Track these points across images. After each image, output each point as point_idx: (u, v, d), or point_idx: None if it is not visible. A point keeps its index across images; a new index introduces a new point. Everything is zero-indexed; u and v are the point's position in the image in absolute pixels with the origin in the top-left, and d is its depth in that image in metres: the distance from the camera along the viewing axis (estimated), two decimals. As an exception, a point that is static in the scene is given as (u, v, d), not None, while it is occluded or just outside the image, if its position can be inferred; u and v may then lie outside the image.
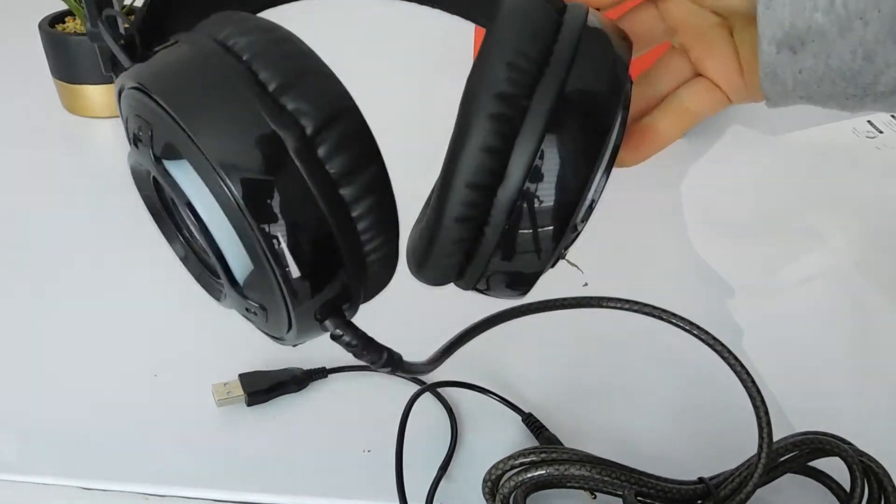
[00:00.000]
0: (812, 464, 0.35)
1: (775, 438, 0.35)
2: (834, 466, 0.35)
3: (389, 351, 0.27)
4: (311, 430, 0.39)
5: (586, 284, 0.50)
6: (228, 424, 0.39)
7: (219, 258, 0.25)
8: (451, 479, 0.36)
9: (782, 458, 0.35)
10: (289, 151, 0.22)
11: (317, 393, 0.41)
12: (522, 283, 0.27)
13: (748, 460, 0.33)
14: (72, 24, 0.70)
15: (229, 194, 0.22)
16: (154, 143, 0.23)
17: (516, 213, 0.24)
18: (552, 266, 0.29)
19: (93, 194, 0.59)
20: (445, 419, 0.39)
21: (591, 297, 0.36)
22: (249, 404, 0.40)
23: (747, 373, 0.34)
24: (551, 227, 0.24)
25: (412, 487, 0.36)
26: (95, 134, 0.69)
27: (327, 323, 0.26)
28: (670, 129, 0.32)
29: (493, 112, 0.23)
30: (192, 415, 0.39)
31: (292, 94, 0.23)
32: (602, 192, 0.29)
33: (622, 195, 0.59)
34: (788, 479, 0.36)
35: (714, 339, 0.35)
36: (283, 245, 0.23)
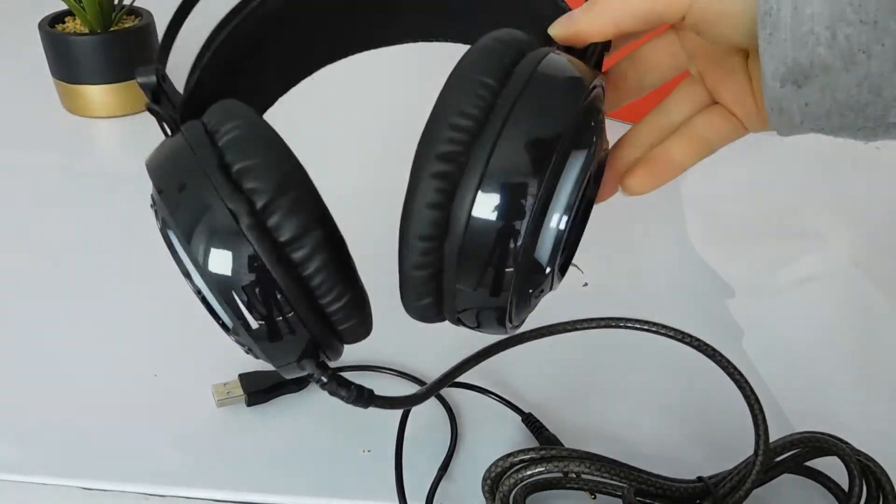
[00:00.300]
0: (811, 464, 0.35)
1: (775, 438, 0.35)
2: (833, 467, 0.35)
3: (359, 388, 0.31)
4: (311, 430, 0.39)
5: (586, 284, 0.50)
6: (228, 424, 0.39)
7: (209, 309, 0.30)
8: (451, 479, 0.36)
9: (780, 458, 0.35)
10: (240, 225, 0.26)
11: (316, 393, 0.41)
12: (499, 320, 0.29)
13: (746, 460, 0.34)
14: (72, 24, 0.70)
15: (199, 261, 0.27)
16: (157, 214, 0.29)
17: (464, 258, 0.26)
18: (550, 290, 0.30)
19: (93, 194, 0.59)
20: (445, 419, 0.39)
21: (577, 321, 0.37)
22: (249, 404, 0.40)
23: (740, 374, 0.34)
24: (502, 269, 0.26)
25: (412, 488, 0.36)
26: (95, 134, 0.69)
27: (304, 363, 0.30)
28: (683, 156, 0.32)
29: (435, 171, 0.25)
30: (193, 415, 0.39)
31: (249, 175, 0.26)
32: (576, 229, 0.31)
33: (622, 195, 0.59)
34: (788, 479, 0.36)
35: (705, 344, 0.36)
36: (240, 303, 0.27)
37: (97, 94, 0.69)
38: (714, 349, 0.36)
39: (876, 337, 0.44)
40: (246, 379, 0.40)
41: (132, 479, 0.36)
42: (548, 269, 0.27)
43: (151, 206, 0.30)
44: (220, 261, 0.27)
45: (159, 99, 0.31)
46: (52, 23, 0.69)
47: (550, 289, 0.30)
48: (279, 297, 0.27)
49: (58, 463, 0.37)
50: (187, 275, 0.29)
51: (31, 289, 0.49)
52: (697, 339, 0.36)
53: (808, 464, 0.35)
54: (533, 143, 0.25)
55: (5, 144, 0.66)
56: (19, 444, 0.38)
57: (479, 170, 0.25)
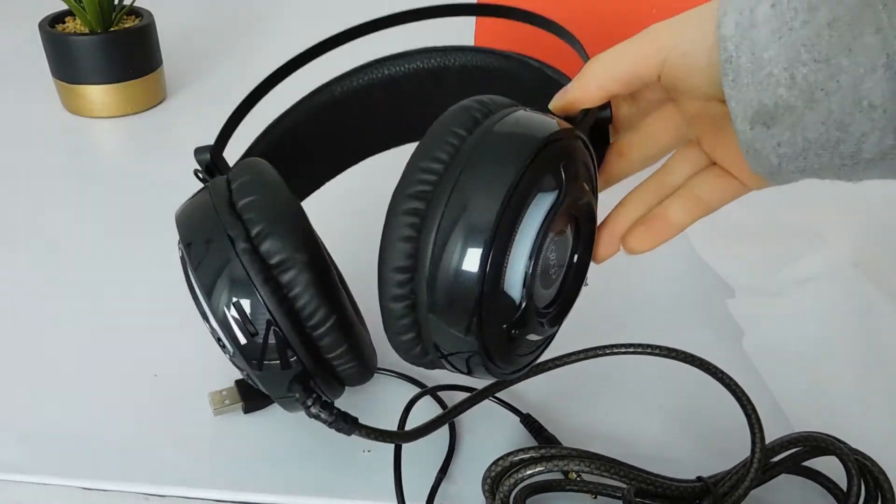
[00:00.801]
0: (809, 464, 0.35)
1: (775, 438, 0.35)
2: (832, 467, 0.35)
3: (345, 414, 0.32)
4: (310, 431, 0.39)
5: (587, 284, 0.50)
6: (229, 424, 0.39)
7: (212, 332, 0.33)
8: (451, 480, 0.36)
9: (778, 458, 0.35)
10: (236, 249, 0.30)
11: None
12: (476, 366, 0.30)
13: (744, 460, 0.34)
14: (72, 24, 0.70)
15: (200, 283, 0.31)
16: (182, 247, 0.32)
17: (431, 286, 0.28)
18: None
19: (93, 194, 0.59)
20: (445, 419, 0.39)
21: (563, 356, 0.39)
22: (246, 411, 0.40)
23: (730, 379, 0.35)
24: (467, 296, 0.28)
25: (412, 488, 0.36)
26: (95, 134, 0.69)
27: (294, 386, 0.32)
28: (680, 216, 0.33)
29: (405, 208, 0.28)
30: (193, 415, 0.39)
31: (250, 210, 0.31)
32: (569, 284, 0.33)
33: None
34: (787, 479, 0.36)
35: (692, 356, 0.37)
36: (231, 319, 0.30)
37: (97, 94, 0.69)
38: (702, 360, 0.37)
39: (876, 337, 0.44)
40: (243, 385, 0.40)
41: (132, 479, 0.36)
42: (520, 302, 0.29)
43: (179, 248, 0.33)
44: (213, 278, 0.31)
45: (212, 173, 0.36)
46: (52, 23, 0.69)
47: (541, 336, 0.32)
48: (264, 315, 0.30)
49: (58, 463, 0.37)
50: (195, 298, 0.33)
51: (30, 289, 0.49)
52: (684, 353, 0.37)
53: (806, 464, 0.35)
54: (489, 182, 0.27)
55: (5, 144, 0.66)
56: (19, 444, 0.38)
57: (440, 206, 0.28)
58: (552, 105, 0.33)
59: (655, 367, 0.41)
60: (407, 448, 0.38)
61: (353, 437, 0.38)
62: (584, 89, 0.32)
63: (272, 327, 0.30)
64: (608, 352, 0.38)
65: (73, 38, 0.67)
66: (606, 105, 0.33)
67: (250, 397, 0.40)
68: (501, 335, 0.30)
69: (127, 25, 0.69)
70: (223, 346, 0.33)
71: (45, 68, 0.70)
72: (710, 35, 0.28)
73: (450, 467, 0.37)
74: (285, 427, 0.39)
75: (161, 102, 0.73)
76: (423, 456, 0.37)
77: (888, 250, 0.50)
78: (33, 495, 0.36)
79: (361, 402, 0.41)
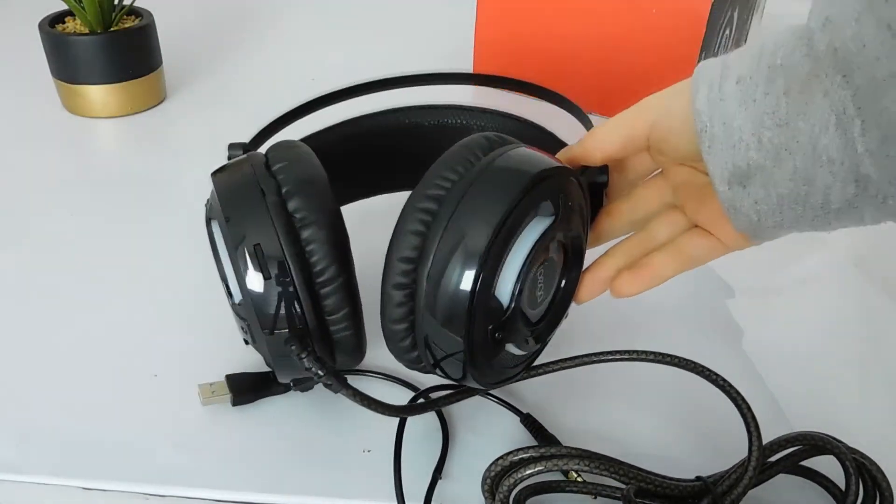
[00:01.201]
0: (808, 464, 0.35)
1: (773, 438, 0.35)
2: (831, 468, 0.35)
3: (336, 372, 0.34)
4: (311, 431, 0.39)
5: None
6: (229, 425, 0.39)
7: (221, 274, 0.36)
8: (452, 480, 0.37)
9: (775, 457, 0.35)
10: (266, 201, 0.34)
11: (309, 396, 0.41)
12: (458, 365, 0.33)
13: (742, 460, 0.34)
14: (72, 24, 0.70)
15: (228, 230, 0.34)
16: (215, 198, 0.36)
17: (433, 280, 0.31)
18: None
19: (93, 194, 0.59)
20: (447, 421, 0.39)
21: (555, 361, 0.40)
22: (234, 404, 0.40)
23: (724, 380, 0.36)
24: (457, 294, 0.31)
25: (413, 489, 0.36)
26: (95, 134, 0.69)
27: (292, 339, 0.34)
28: (667, 268, 0.36)
29: (420, 206, 0.32)
30: (193, 415, 0.39)
31: (283, 173, 0.35)
32: (555, 307, 0.36)
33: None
34: (786, 479, 0.36)
35: (685, 360, 0.38)
36: (247, 255, 0.33)
37: (97, 94, 0.69)
38: (695, 363, 0.37)
39: (876, 337, 0.44)
40: (232, 379, 0.40)
41: (132, 479, 0.36)
42: (507, 307, 0.32)
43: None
44: (242, 220, 0.33)
45: None
46: (52, 23, 0.69)
47: (524, 352, 0.35)
48: (279, 255, 0.33)
49: (58, 463, 0.37)
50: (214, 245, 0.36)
51: (30, 288, 0.49)
52: (678, 358, 0.38)
53: (805, 464, 0.35)
54: (496, 196, 0.31)
55: (5, 144, 0.66)
56: (19, 444, 0.38)
57: (451, 208, 0.31)
58: (559, 157, 0.36)
59: (654, 368, 0.41)
60: (408, 448, 0.38)
61: (354, 437, 0.38)
62: (586, 149, 0.36)
63: (285, 277, 0.33)
64: (602, 359, 0.39)
65: (73, 38, 0.67)
66: (604, 170, 0.36)
67: (239, 391, 0.40)
68: (486, 336, 0.32)
69: (127, 25, 0.69)
70: (232, 297, 0.35)
71: (45, 68, 0.70)
72: (688, 107, 0.32)
73: (452, 467, 0.37)
74: (285, 428, 0.39)
75: (161, 102, 0.73)
76: (424, 456, 0.37)
77: (888, 250, 0.50)
78: (33, 495, 0.36)
79: (361, 410, 0.40)
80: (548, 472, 0.33)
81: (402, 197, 0.33)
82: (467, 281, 0.31)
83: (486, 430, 0.39)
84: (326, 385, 0.34)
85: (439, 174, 0.32)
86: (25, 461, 0.37)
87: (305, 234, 0.33)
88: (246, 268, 0.33)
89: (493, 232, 0.30)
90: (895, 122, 0.26)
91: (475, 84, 0.49)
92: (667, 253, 0.37)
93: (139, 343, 0.44)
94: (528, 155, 0.33)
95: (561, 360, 0.39)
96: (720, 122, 0.30)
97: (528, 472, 0.33)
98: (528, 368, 0.38)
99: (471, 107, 0.48)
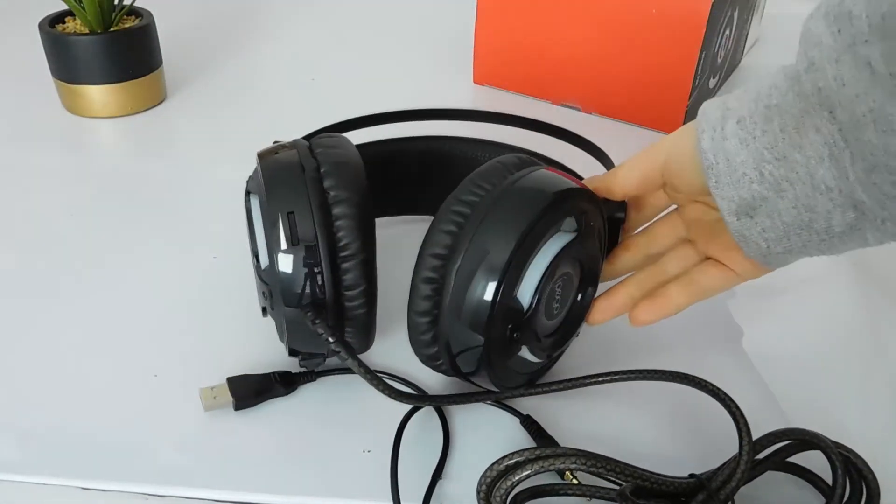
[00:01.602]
0: (798, 462, 0.36)
1: (762, 434, 0.35)
2: (822, 467, 0.35)
3: (346, 342, 0.37)
4: (309, 431, 0.39)
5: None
6: (229, 425, 0.39)
7: (252, 238, 0.38)
8: (452, 481, 0.37)
9: (765, 454, 0.35)
10: (305, 175, 0.36)
11: (309, 395, 0.41)
12: (475, 362, 0.35)
13: (733, 456, 0.34)
14: (72, 24, 0.70)
15: (268, 198, 0.36)
16: (259, 174, 0.38)
17: (461, 277, 0.34)
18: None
19: (92, 194, 0.59)
20: (448, 422, 0.39)
21: (547, 383, 0.40)
22: (237, 408, 0.40)
23: (712, 386, 0.37)
24: (484, 295, 0.33)
25: (412, 489, 0.36)
26: (95, 134, 0.69)
27: (308, 306, 0.36)
28: (681, 298, 0.39)
29: (454, 209, 0.35)
30: (193, 415, 0.39)
31: (323, 155, 0.38)
32: (567, 322, 0.39)
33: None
34: (776, 478, 0.36)
35: (671, 373, 0.38)
36: (279, 223, 0.35)
37: (97, 94, 0.69)
38: (683, 374, 0.38)
39: (876, 337, 0.44)
40: (234, 382, 0.40)
41: (132, 479, 0.36)
42: (526, 309, 0.34)
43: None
44: (280, 187, 0.36)
45: None
46: (52, 23, 0.69)
47: (537, 360, 0.37)
48: (312, 234, 0.35)
49: (58, 463, 0.37)
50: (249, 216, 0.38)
51: (30, 288, 0.49)
52: (664, 372, 0.38)
53: (795, 461, 0.36)
54: (524, 208, 0.34)
55: (5, 144, 0.66)
56: (19, 444, 0.38)
57: (482, 214, 0.34)
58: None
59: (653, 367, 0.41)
60: (408, 449, 0.38)
61: (354, 437, 0.38)
62: (607, 184, 0.39)
63: (312, 247, 0.35)
64: (594, 381, 0.39)
65: (73, 38, 0.67)
66: (623, 207, 0.39)
67: (241, 395, 0.40)
68: (505, 334, 0.34)
69: (127, 25, 0.69)
70: (259, 263, 0.37)
71: (45, 68, 0.70)
72: (695, 146, 0.34)
73: (451, 468, 0.37)
74: (285, 428, 0.39)
75: (161, 102, 0.74)
76: (422, 457, 0.37)
77: (888, 250, 0.50)
78: (33, 495, 0.36)
79: (355, 402, 0.41)
80: (544, 472, 0.33)
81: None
82: (493, 280, 0.33)
83: (487, 432, 0.39)
84: (335, 352, 0.36)
85: (475, 182, 0.35)
86: (25, 461, 0.37)
87: (336, 210, 0.36)
88: (278, 234, 0.35)
89: (520, 237, 0.33)
90: (878, 154, 0.28)
91: (501, 123, 0.51)
92: (681, 284, 0.39)
93: (139, 343, 0.44)
94: (556, 176, 0.36)
95: (560, 381, 0.40)
96: (724, 159, 0.33)
97: (524, 474, 0.33)
98: (531, 385, 0.40)
99: (501, 143, 0.51)
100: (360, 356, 0.36)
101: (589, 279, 0.39)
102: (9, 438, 0.38)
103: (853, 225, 0.31)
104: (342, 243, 0.36)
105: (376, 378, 0.35)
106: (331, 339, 0.35)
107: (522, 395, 0.40)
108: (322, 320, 0.35)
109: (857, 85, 0.28)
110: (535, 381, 0.40)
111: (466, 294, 0.34)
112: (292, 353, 0.39)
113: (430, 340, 0.36)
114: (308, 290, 0.35)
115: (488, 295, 0.33)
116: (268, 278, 0.36)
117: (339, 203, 0.36)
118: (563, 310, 0.38)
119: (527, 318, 0.35)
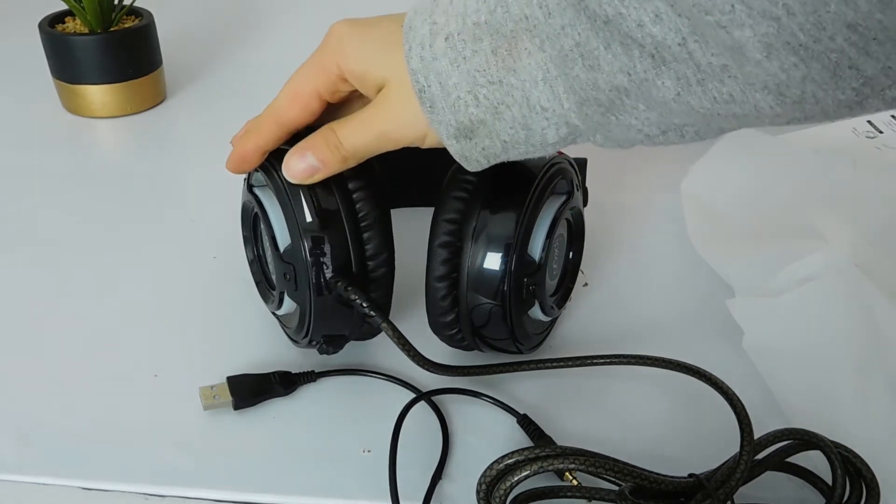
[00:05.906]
0: (798, 462, 0.36)
1: (762, 434, 0.35)
2: (821, 468, 0.35)
3: (379, 307, 0.37)
4: (309, 431, 0.39)
5: (586, 284, 0.50)
6: (229, 425, 0.39)
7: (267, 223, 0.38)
8: (451, 481, 0.37)
9: (764, 454, 0.35)
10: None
11: (309, 395, 0.41)
12: (493, 318, 0.37)
13: (733, 455, 0.34)
14: (72, 24, 0.70)
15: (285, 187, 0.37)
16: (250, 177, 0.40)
17: (479, 236, 0.36)
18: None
19: (92, 194, 0.59)
20: (446, 421, 0.39)
21: (549, 360, 0.42)
22: (237, 408, 0.40)
23: (716, 378, 0.37)
24: (500, 250, 0.36)
25: (412, 489, 0.36)
26: (95, 134, 0.69)
27: (337, 275, 0.36)
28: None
29: (463, 178, 0.37)
30: (193, 415, 0.39)
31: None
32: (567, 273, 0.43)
33: (623, 195, 0.59)
34: (776, 478, 0.36)
35: (678, 363, 0.38)
36: (302, 199, 0.36)
37: (97, 94, 0.69)
38: (688, 365, 0.38)
39: (876, 337, 0.44)
40: (233, 382, 0.40)
41: (132, 479, 0.36)
42: (538, 262, 0.37)
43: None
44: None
45: None
46: (52, 23, 0.69)
47: (548, 318, 0.41)
48: (335, 202, 0.37)
49: (58, 463, 0.37)
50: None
51: (30, 289, 0.49)
52: (670, 361, 0.39)
53: (794, 462, 0.36)
54: (520, 175, 0.37)
55: (5, 144, 0.66)
56: (19, 444, 0.38)
57: (486, 185, 0.37)
58: None
59: (651, 368, 0.41)
60: (407, 449, 0.38)
61: (354, 437, 0.38)
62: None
63: (336, 221, 0.36)
64: (598, 362, 0.41)
65: (73, 38, 0.67)
66: (583, 163, 0.43)
67: (240, 394, 0.40)
68: (522, 287, 0.37)
69: (127, 25, 0.69)
70: (278, 248, 0.37)
71: (45, 68, 0.70)
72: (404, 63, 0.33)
73: (450, 468, 0.37)
74: (285, 428, 0.39)
75: (161, 102, 0.73)
76: (422, 457, 0.37)
77: (888, 250, 0.50)
78: (33, 495, 0.36)
79: (355, 402, 0.41)
80: (542, 472, 0.33)
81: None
82: (509, 237, 0.36)
83: (485, 432, 0.39)
84: (368, 319, 0.36)
85: (465, 176, 0.37)
86: (25, 461, 0.37)
87: (352, 183, 0.37)
88: (301, 208, 0.36)
89: (529, 197, 0.36)
90: (588, 89, 0.28)
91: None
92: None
93: (140, 343, 0.44)
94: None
95: (564, 359, 0.41)
96: (437, 82, 0.31)
97: (523, 475, 0.33)
98: (530, 362, 0.41)
99: None
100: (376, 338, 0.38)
101: (576, 237, 0.43)
102: (9, 438, 0.38)
103: (565, 138, 0.32)
104: (362, 214, 0.37)
105: (408, 344, 0.36)
106: (365, 305, 0.36)
107: (538, 366, 0.41)
108: (355, 287, 0.36)
109: (562, 15, 0.27)
110: (543, 341, 0.43)
111: (486, 252, 0.36)
112: (311, 339, 0.39)
113: (449, 306, 0.37)
114: (335, 260, 0.36)
115: (507, 252, 0.36)
116: (290, 258, 0.37)
117: (355, 178, 0.37)
118: (559, 269, 0.42)
119: (539, 270, 0.37)
